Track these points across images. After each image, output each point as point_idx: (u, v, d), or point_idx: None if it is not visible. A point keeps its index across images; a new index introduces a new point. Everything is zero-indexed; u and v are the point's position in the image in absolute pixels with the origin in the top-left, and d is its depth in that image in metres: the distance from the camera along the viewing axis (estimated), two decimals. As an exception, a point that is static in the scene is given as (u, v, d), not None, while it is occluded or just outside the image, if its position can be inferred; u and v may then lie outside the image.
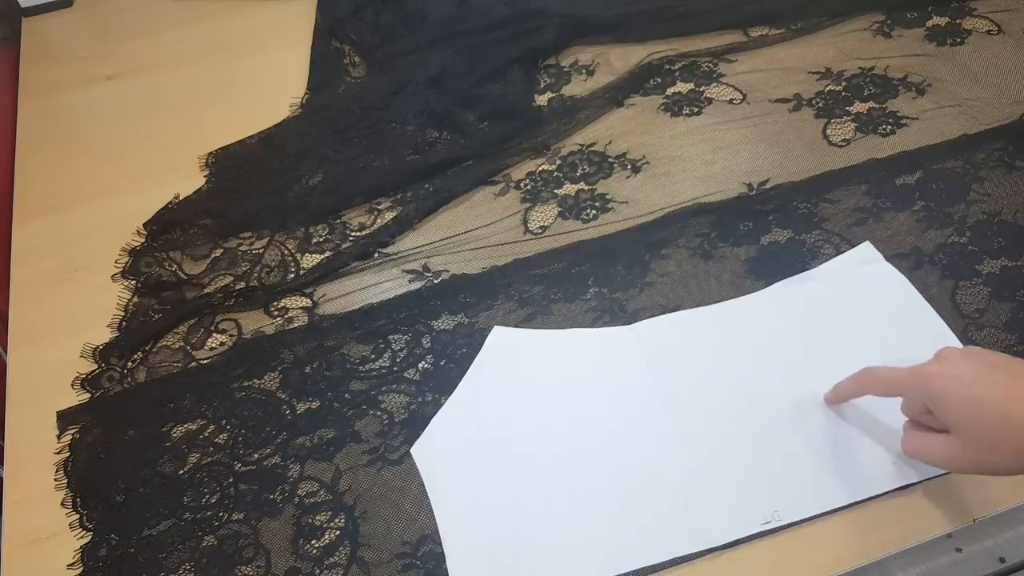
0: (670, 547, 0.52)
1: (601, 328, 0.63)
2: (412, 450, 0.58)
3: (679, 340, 0.62)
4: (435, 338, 0.64)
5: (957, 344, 0.58)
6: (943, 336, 0.60)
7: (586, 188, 0.74)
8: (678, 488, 0.55)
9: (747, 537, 0.52)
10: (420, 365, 0.63)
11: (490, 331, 0.64)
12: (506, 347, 0.63)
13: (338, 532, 0.55)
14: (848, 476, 0.54)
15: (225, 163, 0.79)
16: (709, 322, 0.63)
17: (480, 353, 0.63)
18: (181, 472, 0.59)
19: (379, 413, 0.60)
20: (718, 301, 0.64)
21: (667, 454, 0.56)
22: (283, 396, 0.62)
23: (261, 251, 0.72)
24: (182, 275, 0.71)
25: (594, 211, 0.72)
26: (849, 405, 0.57)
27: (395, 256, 0.71)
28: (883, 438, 0.55)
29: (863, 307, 0.62)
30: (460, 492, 0.56)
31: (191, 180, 0.78)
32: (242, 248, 0.72)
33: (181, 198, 0.77)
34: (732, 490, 0.54)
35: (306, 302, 0.68)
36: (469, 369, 0.62)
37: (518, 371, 0.62)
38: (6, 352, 0.68)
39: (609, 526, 0.54)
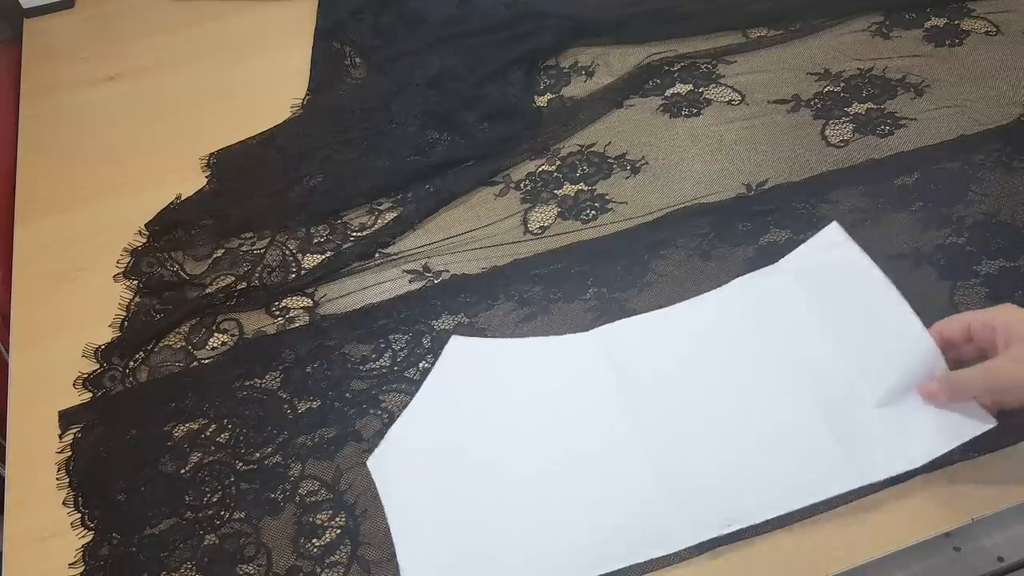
0: (632, 552, 0.52)
1: (561, 335, 0.62)
2: (368, 462, 0.57)
3: (641, 343, 0.61)
4: (435, 338, 0.64)
5: (919, 327, 0.55)
6: (907, 320, 0.55)
7: (585, 189, 0.74)
8: (640, 492, 0.54)
9: (716, 539, 0.52)
10: (420, 365, 0.63)
11: (488, 332, 0.64)
12: (464, 356, 0.62)
13: (339, 531, 0.55)
14: (812, 476, 0.53)
15: (226, 164, 0.80)
16: (672, 323, 0.62)
17: (438, 362, 0.62)
18: (183, 471, 0.59)
19: (379, 412, 0.61)
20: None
21: (628, 458, 0.55)
22: (284, 395, 0.62)
23: (262, 251, 0.72)
24: (184, 275, 0.71)
25: (593, 211, 0.72)
26: (814, 402, 0.56)
27: (396, 256, 0.71)
28: (851, 436, 0.54)
29: (827, 295, 0.60)
30: (417, 503, 0.55)
31: (193, 181, 0.78)
32: (243, 248, 0.73)
33: (183, 198, 0.77)
34: (694, 492, 0.53)
35: (307, 302, 0.68)
36: (426, 379, 0.61)
37: (476, 380, 0.61)
38: (8, 352, 0.69)
39: (570, 533, 0.53)
